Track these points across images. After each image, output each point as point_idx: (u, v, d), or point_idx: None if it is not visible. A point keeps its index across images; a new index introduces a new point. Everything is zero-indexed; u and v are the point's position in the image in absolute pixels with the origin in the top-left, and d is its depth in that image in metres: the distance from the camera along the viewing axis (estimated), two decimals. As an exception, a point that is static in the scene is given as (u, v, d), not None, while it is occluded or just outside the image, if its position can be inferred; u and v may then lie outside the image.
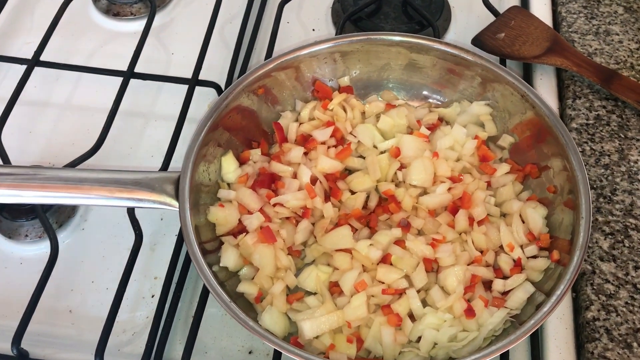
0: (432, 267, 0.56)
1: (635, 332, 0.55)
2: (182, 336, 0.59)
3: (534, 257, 0.56)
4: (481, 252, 0.57)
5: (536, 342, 0.56)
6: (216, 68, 0.75)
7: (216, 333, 0.60)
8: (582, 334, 0.56)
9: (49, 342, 0.59)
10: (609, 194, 0.62)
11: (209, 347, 0.59)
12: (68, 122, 0.74)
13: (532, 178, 0.61)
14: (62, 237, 0.65)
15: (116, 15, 0.82)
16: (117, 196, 0.54)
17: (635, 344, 0.54)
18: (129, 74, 0.72)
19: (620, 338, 0.54)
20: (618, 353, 0.54)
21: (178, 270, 0.61)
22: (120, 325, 0.60)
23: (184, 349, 0.55)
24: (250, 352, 0.59)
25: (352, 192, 0.61)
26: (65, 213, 0.66)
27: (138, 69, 0.74)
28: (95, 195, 0.54)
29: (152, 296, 0.62)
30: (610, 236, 0.60)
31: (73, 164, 0.65)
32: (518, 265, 0.56)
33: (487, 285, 0.56)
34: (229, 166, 0.61)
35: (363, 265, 0.56)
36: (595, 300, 0.57)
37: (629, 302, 0.56)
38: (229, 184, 0.62)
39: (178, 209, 0.54)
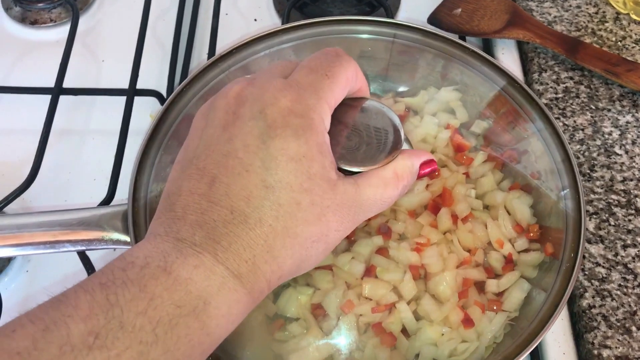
0: (420, 274, 0.52)
1: (632, 315, 0.53)
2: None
3: (526, 251, 0.52)
4: (469, 251, 0.53)
5: (534, 338, 0.54)
6: (154, 73, 0.69)
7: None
8: (579, 323, 0.54)
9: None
10: (588, 171, 0.60)
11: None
12: (-7, 150, 0.66)
13: (513, 164, 0.57)
14: (5, 282, 0.58)
15: (33, 23, 0.73)
16: (63, 240, 0.47)
17: (634, 328, 0.52)
18: (57, 91, 0.64)
19: (619, 324, 0.52)
20: (618, 340, 0.52)
21: (142, 307, 0.55)
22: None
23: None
24: (232, 387, 0.54)
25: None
26: (4, 257, 0.59)
27: (67, 83, 0.66)
28: (38, 242, 0.47)
29: (116, 338, 0.56)
30: (594, 216, 0.58)
31: (7, 201, 0.57)
32: (510, 262, 0.52)
33: (480, 287, 0.52)
34: None
35: (346, 282, 0.51)
36: (589, 286, 0.54)
37: (622, 284, 0.54)
38: None
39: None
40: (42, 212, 0.49)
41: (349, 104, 0.47)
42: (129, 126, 0.63)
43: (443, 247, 0.53)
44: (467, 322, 0.49)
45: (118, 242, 0.48)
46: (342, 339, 0.49)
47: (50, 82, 0.65)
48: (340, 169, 0.47)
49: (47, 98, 0.64)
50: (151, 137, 0.52)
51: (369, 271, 0.52)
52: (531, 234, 0.53)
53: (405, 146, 0.51)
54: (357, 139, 0.45)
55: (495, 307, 0.50)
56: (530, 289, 0.50)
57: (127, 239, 0.48)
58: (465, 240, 0.53)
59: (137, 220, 0.49)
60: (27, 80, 0.68)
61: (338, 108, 0.46)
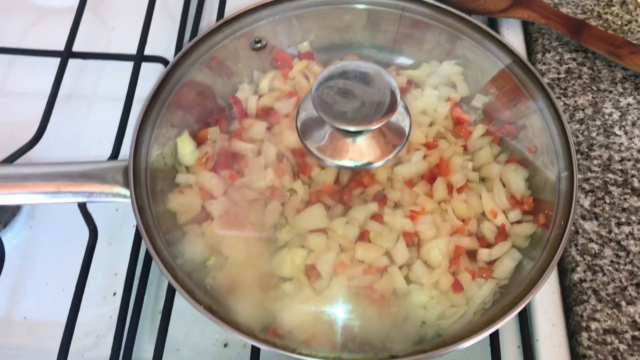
0: (413, 240, 0.53)
1: (622, 290, 0.53)
2: (151, 335, 0.55)
3: (519, 222, 0.53)
4: (463, 220, 0.54)
5: (523, 309, 0.54)
6: (162, 41, 0.70)
7: (187, 328, 0.56)
8: (569, 296, 0.54)
9: (4, 354, 0.54)
10: (586, 150, 0.60)
11: (180, 343, 0.55)
12: (2, 111, 0.68)
13: (510, 139, 0.58)
14: (9, 237, 0.60)
15: (47, -11, 0.75)
16: (65, 191, 0.49)
17: (623, 303, 0.53)
18: (66, 54, 0.66)
19: (609, 298, 0.53)
20: (607, 314, 0.52)
21: (140, 264, 0.56)
22: (82, 329, 0.55)
23: (154, 349, 0.51)
24: (225, 345, 0.55)
25: (322, 167, 0.56)
26: (10, 211, 0.60)
27: (77, 47, 0.67)
28: (40, 192, 0.48)
29: (114, 294, 0.58)
30: (590, 194, 0.58)
31: (12, 158, 0.59)
32: (502, 232, 0.53)
33: (472, 255, 0.53)
34: (186, 148, 0.56)
35: (340, 245, 0.52)
36: (581, 261, 0.55)
37: (614, 260, 0.55)
38: (187, 168, 0.56)
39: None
40: (46, 164, 0.50)
41: (347, 66, 0.48)
42: (135, 91, 0.64)
43: (437, 215, 0.53)
44: (457, 286, 0.50)
45: (118, 195, 0.50)
46: (334, 299, 0.50)
47: (61, 47, 0.67)
48: (336, 129, 0.48)
49: (57, 62, 0.66)
50: (154, 97, 0.53)
51: (363, 236, 0.53)
52: (525, 206, 0.54)
53: (401, 111, 0.52)
54: (354, 99, 0.46)
55: (485, 275, 0.51)
56: (521, 258, 0.51)
57: (127, 192, 0.49)
58: (460, 209, 0.54)
59: (138, 175, 0.50)
60: (39, 45, 0.69)
61: (336, 70, 0.47)
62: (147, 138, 0.52)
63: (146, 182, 0.51)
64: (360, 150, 0.50)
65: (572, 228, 0.56)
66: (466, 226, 0.53)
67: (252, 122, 0.57)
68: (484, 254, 0.52)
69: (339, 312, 0.50)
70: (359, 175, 0.56)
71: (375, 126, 0.46)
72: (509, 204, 0.54)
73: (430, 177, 0.55)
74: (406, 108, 0.52)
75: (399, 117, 0.51)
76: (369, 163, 0.50)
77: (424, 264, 0.51)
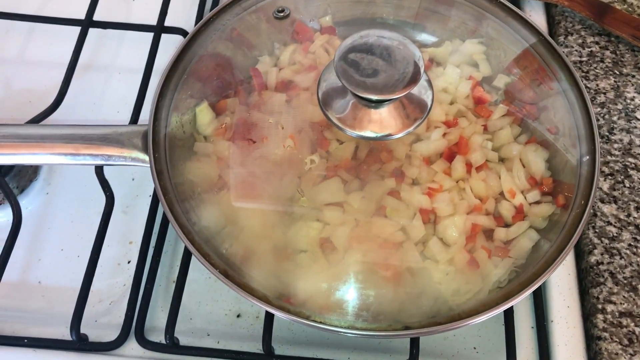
0: (429, 218, 0.53)
1: (639, 274, 0.53)
2: (164, 303, 0.55)
3: (537, 203, 0.53)
4: (480, 200, 0.53)
5: (538, 290, 0.54)
6: (183, 13, 0.70)
7: (200, 298, 0.56)
8: (585, 279, 0.54)
9: (18, 317, 0.54)
10: (607, 134, 0.60)
11: (193, 312, 0.55)
12: (22, 78, 0.68)
13: (531, 120, 0.57)
14: (25, 203, 0.60)
15: (69, -41, 0.75)
16: (83, 153, 0.49)
17: (640, 287, 0.52)
18: (87, 23, 0.66)
19: (625, 281, 0.52)
20: (624, 297, 0.52)
21: (155, 233, 0.56)
22: (96, 295, 0.55)
23: (167, 317, 0.51)
24: (238, 316, 0.55)
25: (341, 142, 0.56)
26: (27, 177, 0.61)
27: (97, 17, 0.67)
28: (59, 153, 0.49)
29: (129, 262, 0.58)
30: (610, 177, 0.57)
31: (30, 123, 0.59)
32: (520, 212, 0.52)
33: (489, 234, 0.52)
34: (205, 117, 0.56)
35: (355, 220, 0.52)
36: (598, 243, 0.54)
37: (632, 244, 0.54)
38: (205, 137, 0.56)
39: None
40: (66, 125, 0.51)
41: (371, 35, 0.47)
42: (154, 62, 0.64)
43: (455, 193, 0.53)
44: (473, 264, 0.50)
45: (137, 159, 0.50)
46: (348, 271, 0.50)
47: (82, 16, 0.67)
48: (358, 97, 0.47)
49: (77, 30, 0.66)
50: (174, 65, 0.53)
51: (380, 211, 0.52)
52: (544, 187, 0.53)
53: (424, 84, 0.51)
54: (378, 68, 0.46)
55: (501, 254, 0.51)
56: (538, 239, 0.51)
57: (146, 157, 0.49)
58: (478, 188, 0.53)
59: (157, 139, 0.50)
60: (60, 13, 0.69)
61: (360, 39, 0.47)
62: (167, 104, 0.52)
63: (165, 148, 0.51)
64: (381, 122, 0.50)
65: (591, 211, 0.56)
66: (484, 205, 0.53)
67: (271, 94, 0.57)
68: (501, 233, 0.52)
69: (353, 284, 0.50)
70: (377, 150, 0.56)
71: (397, 96, 0.45)
72: (528, 185, 0.54)
73: (449, 155, 0.55)
74: (429, 82, 0.52)
75: (422, 90, 0.51)
76: (389, 135, 0.50)
77: (439, 240, 0.51)
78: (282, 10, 0.58)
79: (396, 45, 0.47)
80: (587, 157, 0.50)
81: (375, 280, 0.50)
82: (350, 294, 0.49)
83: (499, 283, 0.50)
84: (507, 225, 0.52)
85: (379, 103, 0.48)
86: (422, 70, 0.46)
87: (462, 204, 0.52)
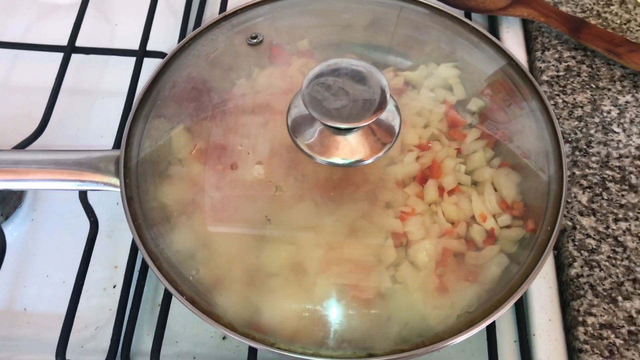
0: (402, 241, 0.53)
1: (619, 285, 0.53)
2: (150, 327, 0.55)
3: (508, 227, 0.53)
4: (452, 223, 0.54)
5: (520, 303, 0.55)
6: (165, 37, 0.70)
7: (186, 321, 0.56)
8: (566, 292, 0.55)
9: (4, 344, 0.55)
10: (585, 147, 0.61)
11: (179, 336, 0.55)
12: (6, 105, 0.68)
13: (504, 143, 0.58)
14: (10, 230, 0.60)
15: (51, -14, 0.76)
16: (57, 178, 0.50)
17: (620, 298, 0.53)
18: (69, 49, 0.67)
19: (605, 293, 0.53)
20: (604, 308, 0.52)
21: (140, 257, 0.57)
22: (82, 321, 0.56)
23: (153, 340, 0.51)
24: (224, 338, 0.56)
25: (315, 165, 0.56)
26: (11, 203, 0.61)
27: (80, 43, 0.68)
28: (32, 179, 0.49)
29: (114, 286, 0.58)
30: (588, 190, 0.58)
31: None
32: (491, 237, 0.53)
33: (460, 258, 0.52)
34: (180, 141, 0.56)
35: (328, 243, 0.52)
36: (578, 256, 0.55)
37: (611, 255, 0.55)
38: (180, 161, 0.56)
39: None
40: (40, 151, 0.51)
41: (339, 63, 0.48)
42: (137, 86, 0.65)
43: (427, 217, 0.53)
44: (442, 289, 0.50)
45: (109, 184, 0.51)
46: (319, 296, 0.50)
47: (65, 42, 0.67)
48: (325, 126, 0.48)
49: (60, 56, 0.66)
50: (149, 88, 0.54)
51: (352, 234, 0.52)
52: (515, 211, 0.54)
53: (392, 110, 0.52)
54: (344, 97, 0.47)
55: (471, 278, 0.51)
56: (508, 263, 0.51)
57: (117, 181, 0.50)
58: (450, 212, 0.53)
59: (128, 165, 0.51)
60: (43, 40, 0.70)
61: (327, 67, 0.48)
62: (141, 129, 0.53)
63: (137, 173, 0.52)
64: (350, 148, 0.50)
65: (570, 223, 0.57)
66: (455, 229, 0.53)
67: (247, 117, 0.57)
68: (471, 257, 0.52)
69: (323, 309, 0.50)
70: (351, 174, 0.56)
71: (364, 124, 0.46)
72: (499, 209, 0.54)
73: (422, 178, 0.55)
74: (397, 107, 0.53)
75: (389, 116, 0.52)
76: (359, 161, 0.51)
77: (411, 264, 0.51)
78: (255, 37, 0.58)
79: (363, 73, 0.48)
80: (555, 183, 0.51)
81: (345, 305, 0.50)
82: (318, 320, 0.49)
83: (468, 308, 0.50)
84: (477, 249, 0.52)
85: (346, 130, 0.49)
86: (388, 97, 0.47)
87: (433, 228, 0.52)
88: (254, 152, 0.55)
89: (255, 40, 0.58)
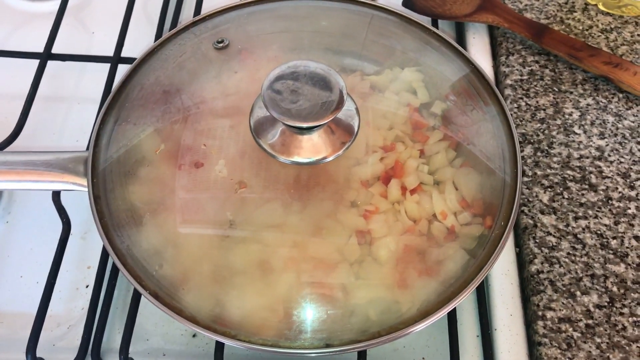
0: (365, 239, 0.54)
1: (577, 281, 0.55)
2: (121, 325, 0.56)
3: (468, 224, 0.55)
4: (414, 221, 0.55)
5: (483, 299, 0.56)
6: (141, 44, 0.72)
7: (157, 319, 0.57)
8: (527, 287, 0.56)
9: (-24, 343, 0.56)
10: (547, 148, 0.62)
11: (150, 333, 0.56)
12: (-17, 111, 0.70)
13: (466, 144, 0.59)
14: (-16, 232, 0.61)
15: (30, -5, 0.78)
16: (26, 179, 0.51)
17: (578, 293, 0.54)
18: (45, 56, 0.68)
19: (564, 288, 0.55)
20: (563, 303, 0.54)
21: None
22: (54, 319, 0.57)
23: (121, 338, 0.53)
24: (194, 336, 0.57)
25: (282, 165, 0.58)
26: (-14, 206, 0.62)
27: (57, 49, 0.70)
28: (1, 179, 0.51)
29: (87, 286, 0.59)
30: (549, 189, 0.60)
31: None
32: (452, 234, 0.54)
33: (421, 255, 0.54)
34: (147, 142, 0.57)
35: (293, 241, 0.54)
36: (539, 253, 0.57)
37: (570, 252, 0.56)
38: (149, 162, 0.57)
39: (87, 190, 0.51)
40: (10, 152, 0.53)
41: (298, 65, 0.50)
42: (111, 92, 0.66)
43: (390, 215, 0.55)
44: (403, 284, 0.51)
45: (78, 184, 0.52)
46: (283, 292, 0.51)
47: (41, 49, 0.69)
48: (286, 125, 0.50)
49: (36, 63, 0.68)
50: (118, 91, 0.55)
51: (317, 232, 0.54)
52: (475, 209, 0.55)
53: (351, 109, 0.54)
54: (303, 98, 0.49)
55: (431, 273, 0.53)
56: (467, 259, 0.53)
57: (85, 182, 0.51)
58: (412, 210, 0.55)
59: (96, 165, 0.52)
60: (20, 48, 0.71)
61: (284, 71, 0.50)
62: (109, 131, 0.54)
63: (105, 173, 0.53)
64: (311, 147, 0.52)
65: (531, 222, 0.58)
66: (417, 226, 0.55)
67: (216, 119, 0.59)
68: (432, 253, 0.53)
69: (287, 304, 0.51)
70: (317, 174, 0.57)
71: (322, 122, 0.48)
72: (460, 207, 0.56)
73: (386, 178, 0.57)
74: (356, 108, 0.54)
75: (349, 116, 0.53)
76: (320, 160, 0.52)
77: (374, 261, 0.53)
78: (222, 41, 0.60)
79: (322, 75, 0.50)
80: (510, 181, 0.53)
81: (308, 300, 0.51)
82: (282, 315, 0.50)
83: (428, 301, 0.51)
84: (439, 246, 0.54)
85: (306, 130, 0.51)
86: (345, 97, 0.49)
87: (396, 226, 0.54)
88: (219, 152, 0.56)
89: (221, 45, 0.60)
